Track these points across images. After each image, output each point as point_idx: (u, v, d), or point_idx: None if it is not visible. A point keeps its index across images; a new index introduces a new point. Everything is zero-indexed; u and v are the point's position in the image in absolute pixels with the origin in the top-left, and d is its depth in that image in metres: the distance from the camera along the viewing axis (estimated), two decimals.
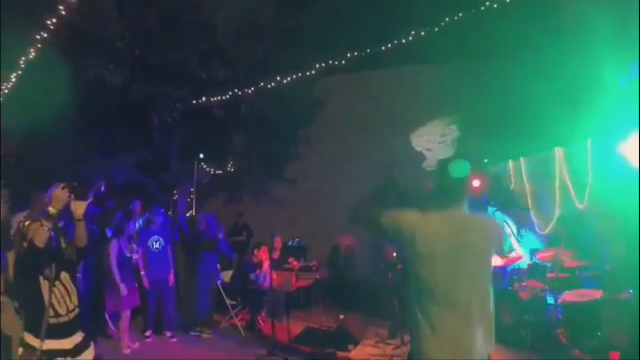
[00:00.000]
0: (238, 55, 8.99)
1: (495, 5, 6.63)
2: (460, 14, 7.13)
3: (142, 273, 6.53)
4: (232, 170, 10.80)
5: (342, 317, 7.41)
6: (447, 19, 7.35)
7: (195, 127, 9.24)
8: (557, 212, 7.13)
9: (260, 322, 7.56)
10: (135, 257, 6.38)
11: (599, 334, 5.30)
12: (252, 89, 8.87)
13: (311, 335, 7.18)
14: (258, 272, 7.91)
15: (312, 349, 6.40)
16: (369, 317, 7.62)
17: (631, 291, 5.16)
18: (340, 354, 6.21)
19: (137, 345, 6.39)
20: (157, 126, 8.99)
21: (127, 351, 6.16)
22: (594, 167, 6.45)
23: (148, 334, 6.79)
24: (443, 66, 9.25)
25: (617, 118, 6.05)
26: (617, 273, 5.48)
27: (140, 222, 6.87)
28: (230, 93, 8.88)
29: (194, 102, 8.98)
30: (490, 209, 8.49)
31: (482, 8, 6.77)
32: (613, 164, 5.96)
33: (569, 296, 5.78)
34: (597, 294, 5.51)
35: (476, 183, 9.37)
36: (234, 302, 7.56)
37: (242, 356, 6.28)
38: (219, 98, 8.93)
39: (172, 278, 6.81)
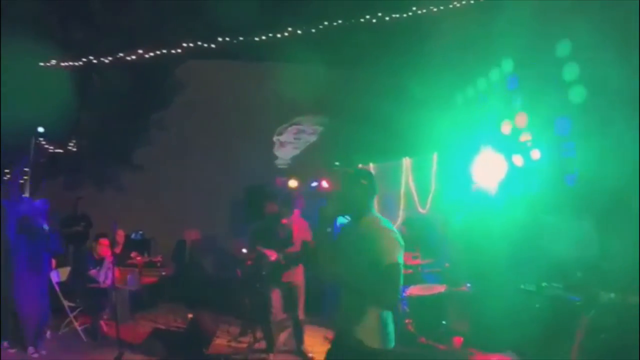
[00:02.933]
0: (102, 19, 7.76)
1: (374, 20, 7.15)
2: (340, 21, 7.47)
3: None
4: (74, 149, 9.27)
5: (190, 315, 7.05)
6: (326, 23, 7.62)
7: (37, 93, 7.65)
8: (402, 215, 7.96)
9: (103, 325, 6.74)
10: None
11: (443, 322, 6.03)
12: (110, 58, 7.76)
13: (159, 337, 6.59)
14: (98, 268, 7.05)
15: (162, 352, 5.90)
16: (218, 314, 7.43)
17: (469, 285, 6.08)
18: (192, 355, 5.88)
19: None
20: None
21: None
22: (437, 177, 7.41)
23: None
24: (312, 68, 9.49)
25: (460, 136, 7.10)
26: (456, 269, 6.38)
27: None
28: (84, 59, 7.62)
29: (40, 64, 7.44)
30: None
31: (362, 20, 7.22)
32: (454, 175, 6.97)
33: (414, 290, 6.47)
34: (441, 288, 6.28)
35: (324, 184, 9.83)
36: (72, 304, 6.55)
37: None
38: (70, 63, 7.58)
39: None
